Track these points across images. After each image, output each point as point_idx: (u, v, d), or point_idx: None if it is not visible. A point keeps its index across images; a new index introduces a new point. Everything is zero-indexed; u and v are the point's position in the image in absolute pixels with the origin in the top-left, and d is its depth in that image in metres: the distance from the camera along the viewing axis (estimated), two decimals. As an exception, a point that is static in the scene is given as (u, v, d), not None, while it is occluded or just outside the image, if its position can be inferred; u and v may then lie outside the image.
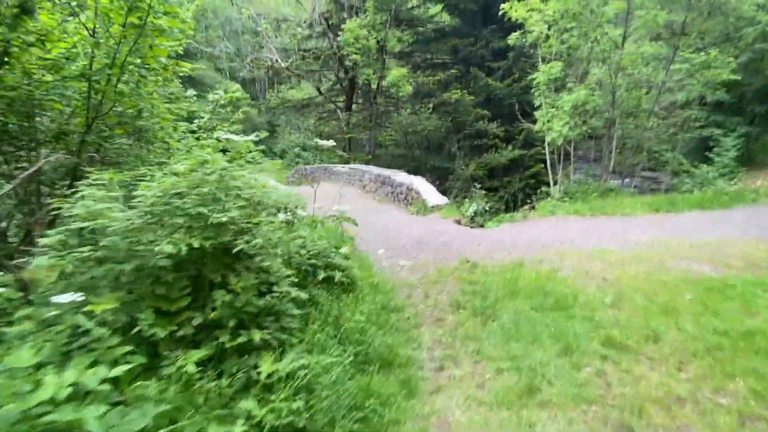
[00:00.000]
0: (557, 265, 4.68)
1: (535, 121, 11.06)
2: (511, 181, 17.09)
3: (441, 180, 17.84)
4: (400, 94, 14.25)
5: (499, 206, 15.78)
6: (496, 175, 17.84)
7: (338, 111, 18.60)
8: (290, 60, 17.26)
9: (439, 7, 19.23)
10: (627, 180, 14.05)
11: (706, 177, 13.49)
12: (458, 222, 8.36)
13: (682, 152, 15.16)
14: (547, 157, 11.32)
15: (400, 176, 9.88)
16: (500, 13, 10.89)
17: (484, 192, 15.24)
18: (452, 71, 16.09)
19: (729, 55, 10.97)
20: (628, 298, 3.48)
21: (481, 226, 8.87)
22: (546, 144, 10.89)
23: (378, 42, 15.03)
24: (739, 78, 11.02)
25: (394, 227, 7.49)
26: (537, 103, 10.37)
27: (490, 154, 16.50)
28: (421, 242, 6.18)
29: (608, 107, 10.55)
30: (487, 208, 9.13)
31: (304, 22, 17.88)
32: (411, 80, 15.26)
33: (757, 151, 18.60)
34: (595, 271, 4.35)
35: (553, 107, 9.64)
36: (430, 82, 16.04)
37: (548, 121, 9.64)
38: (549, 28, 10.13)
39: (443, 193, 18.29)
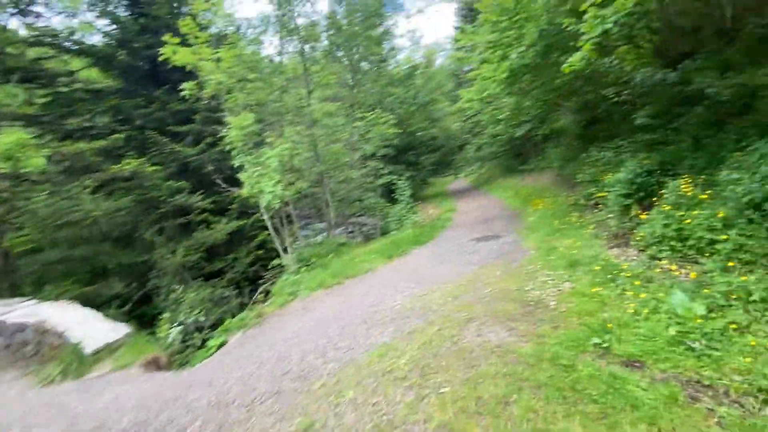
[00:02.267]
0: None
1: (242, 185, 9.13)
2: (237, 257, 14.42)
3: (140, 283, 12.86)
4: (24, 169, 8.90)
5: (228, 293, 12.71)
6: (217, 254, 14.70)
7: None
8: None
9: (85, 62, 14.67)
10: (344, 229, 14.44)
11: (400, 214, 15.63)
12: (155, 363, 4.88)
13: (380, 196, 17.46)
14: (269, 223, 9.51)
15: (18, 312, 5.24)
16: (164, 61, 8.50)
17: (196, 287, 11.82)
18: (118, 136, 12.04)
19: (390, 114, 13.08)
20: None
21: (200, 347, 5.71)
22: (263, 209, 9.05)
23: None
24: (401, 131, 13.39)
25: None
26: (237, 163, 8.42)
27: (201, 232, 13.29)
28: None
29: (315, 162, 9.97)
30: (202, 318, 6.07)
31: None
32: (48, 149, 10.11)
33: (417, 188, 24.60)
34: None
35: (258, 165, 7.92)
36: (86, 151, 11.28)
37: (257, 183, 7.81)
38: (231, 78, 8.56)
39: (146, 299, 13.32)
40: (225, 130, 8.50)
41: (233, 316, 12.16)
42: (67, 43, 13.32)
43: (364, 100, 13.40)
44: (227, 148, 8.37)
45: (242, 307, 13.64)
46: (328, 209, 10.75)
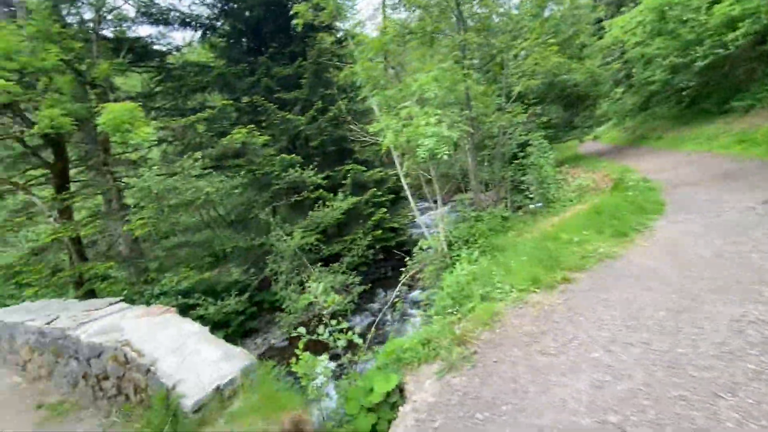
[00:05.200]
0: None
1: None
2: (355, 239, 12.46)
3: (258, 268, 11.70)
4: (133, 141, 7.78)
5: (351, 281, 10.76)
6: (331, 237, 12.98)
7: (35, 198, 10.28)
8: None
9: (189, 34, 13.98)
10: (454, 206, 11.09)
11: (551, 179, 11.79)
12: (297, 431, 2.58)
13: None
14: (407, 191, 6.92)
15: (98, 324, 3.47)
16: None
17: (317, 274, 10.06)
18: (226, 102, 10.72)
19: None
20: None
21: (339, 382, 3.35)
22: (401, 169, 6.47)
23: (67, 63, 8.35)
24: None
25: None
26: (374, 102, 5.88)
27: (317, 211, 11.51)
28: None
29: (464, 104, 7.02)
30: (359, 336, 3.65)
31: None
32: (158, 123, 9.06)
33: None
34: None
35: (405, 100, 5.25)
36: (193, 126, 10.12)
37: (406, 125, 5.13)
38: None
39: (264, 285, 12.14)
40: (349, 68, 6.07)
41: (350, 306, 10.06)
42: (173, 14, 12.46)
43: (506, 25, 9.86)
44: (357, 82, 5.87)
45: (371, 295, 11.66)
46: (476, 169, 7.79)
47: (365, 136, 7.22)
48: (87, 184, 11.10)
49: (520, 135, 9.46)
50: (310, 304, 10.06)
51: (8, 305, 10.36)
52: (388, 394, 3.20)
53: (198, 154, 9.06)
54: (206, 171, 9.54)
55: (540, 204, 10.05)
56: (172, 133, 10.83)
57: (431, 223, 7.75)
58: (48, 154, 10.70)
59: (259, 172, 11.50)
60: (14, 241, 15.74)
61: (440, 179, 7.93)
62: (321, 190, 11.90)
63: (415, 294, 10.43)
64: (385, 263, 14.15)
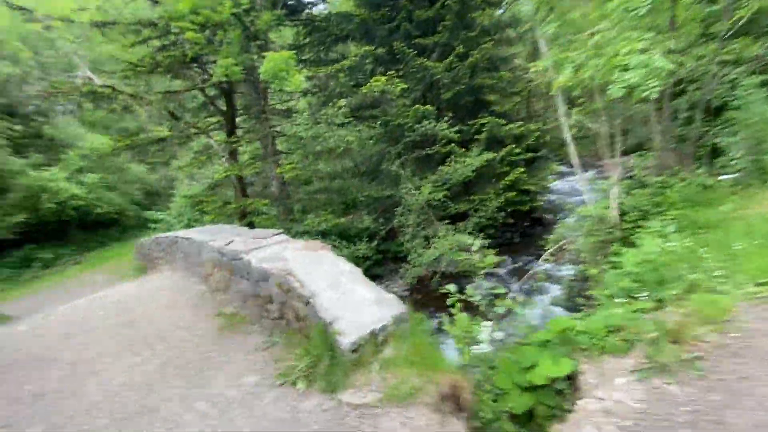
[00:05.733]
0: None
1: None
2: (485, 199, 11.61)
3: (386, 218, 11.96)
4: (288, 89, 8.33)
5: (473, 242, 10.14)
6: (456, 196, 12.21)
7: (212, 141, 12.21)
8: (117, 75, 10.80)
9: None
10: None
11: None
12: (453, 399, 2.29)
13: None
14: (570, 142, 5.78)
15: (264, 253, 3.71)
16: None
17: (444, 232, 9.67)
18: (367, 48, 10.61)
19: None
20: None
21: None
22: (566, 120, 5.35)
23: (237, 17, 9.18)
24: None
25: None
26: (551, 30, 4.83)
27: (447, 166, 10.95)
28: None
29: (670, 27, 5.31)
30: (522, 309, 3.15)
31: (139, 22, 11.57)
32: (306, 71, 9.51)
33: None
34: None
35: (587, 32, 4.10)
36: (336, 74, 10.35)
37: (592, 58, 4.01)
38: None
39: (391, 235, 12.44)
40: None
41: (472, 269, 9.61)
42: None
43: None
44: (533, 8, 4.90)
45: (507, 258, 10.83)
46: (668, 122, 6.07)
47: (527, 72, 6.17)
48: (248, 131, 12.65)
49: (734, 79, 7.06)
50: (435, 259, 9.99)
51: (194, 226, 12.77)
52: (554, 380, 2.69)
53: (342, 102, 9.25)
54: (347, 120, 9.77)
55: (742, 173, 7.58)
56: (315, 84, 11.38)
57: (589, 188, 6.49)
58: (221, 103, 12.44)
59: (393, 122, 11.37)
60: (197, 176, 19.44)
61: (608, 136, 6.42)
62: (453, 145, 11.22)
63: (548, 267, 9.34)
64: (513, 229, 13.05)
